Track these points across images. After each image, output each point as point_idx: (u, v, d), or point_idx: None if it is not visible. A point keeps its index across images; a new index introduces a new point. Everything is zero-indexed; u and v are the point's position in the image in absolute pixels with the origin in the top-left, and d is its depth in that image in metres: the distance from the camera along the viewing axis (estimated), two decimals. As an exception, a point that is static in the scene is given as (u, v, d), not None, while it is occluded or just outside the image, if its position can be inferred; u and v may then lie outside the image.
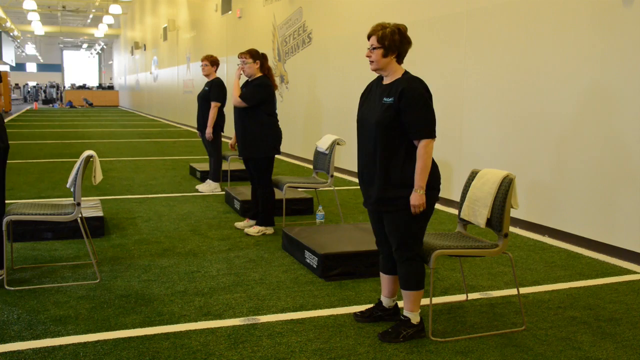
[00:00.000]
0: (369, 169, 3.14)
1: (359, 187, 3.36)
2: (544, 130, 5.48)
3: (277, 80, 11.77)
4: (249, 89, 5.24)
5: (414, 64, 7.34)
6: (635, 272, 4.42)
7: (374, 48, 3.09)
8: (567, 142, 5.24)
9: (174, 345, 3.03)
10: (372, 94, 3.21)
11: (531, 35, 5.58)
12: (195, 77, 18.72)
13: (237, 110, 5.31)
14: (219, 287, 3.92)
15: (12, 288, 3.82)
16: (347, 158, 9.05)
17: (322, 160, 5.70)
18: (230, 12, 14.77)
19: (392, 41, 3.06)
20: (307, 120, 10.57)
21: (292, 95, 11.17)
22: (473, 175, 3.43)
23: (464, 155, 6.56)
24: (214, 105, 7.31)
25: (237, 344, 3.05)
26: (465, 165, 6.50)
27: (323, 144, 5.69)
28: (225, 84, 7.58)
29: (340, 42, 9.25)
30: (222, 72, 15.45)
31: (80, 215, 4.01)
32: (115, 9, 28.88)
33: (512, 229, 5.69)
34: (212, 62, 7.50)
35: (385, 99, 3.06)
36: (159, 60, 25.16)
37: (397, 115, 3.02)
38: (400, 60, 3.13)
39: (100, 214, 5.28)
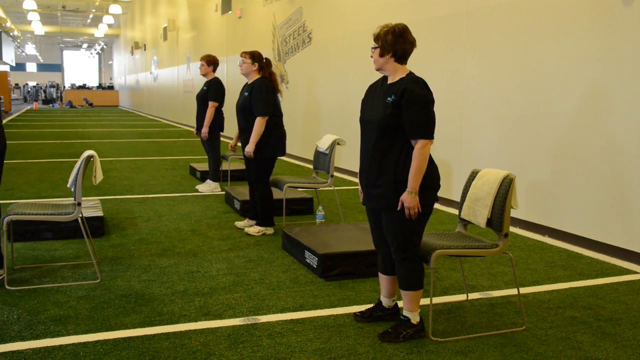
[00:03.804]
0: (369, 167, 3.15)
1: (359, 187, 3.36)
2: (544, 130, 5.48)
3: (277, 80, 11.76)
4: (256, 101, 5.16)
5: (414, 64, 7.34)
6: (635, 272, 4.42)
7: (372, 48, 3.16)
8: (567, 142, 5.24)
9: (174, 345, 3.03)
10: (376, 93, 3.23)
11: (531, 35, 5.58)
12: (195, 77, 18.72)
13: (241, 112, 5.28)
14: (219, 287, 3.92)
15: (12, 288, 3.82)
16: (347, 158, 9.05)
17: (322, 160, 5.70)
18: (230, 12, 14.77)
19: (385, 41, 3.10)
20: (307, 120, 10.57)
21: (292, 95, 11.17)
22: (473, 175, 3.43)
23: (464, 155, 6.56)
24: (211, 105, 7.32)
25: (237, 344, 3.05)
26: (465, 165, 6.50)
27: (323, 144, 5.69)
28: (225, 84, 7.59)
29: (340, 42, 9.25)
30: (221, 72, 15.45)
31: (80, 215, 4.01)
32: (115, 9, 28.88)
33: (512, 229, 5.69)
34: (209, 61, 7.48)
35: (388, 98, 3.08)
36: (159, 60, 25.16)
37: (399, 114, 3.03)
38: (400, 60, 3.13)
39: (100, 214, 5.28)
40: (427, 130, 3.02)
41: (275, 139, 5.25)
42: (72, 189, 3.92)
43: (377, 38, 3.13)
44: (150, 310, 3.51)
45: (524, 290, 3.96)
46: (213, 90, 7.35)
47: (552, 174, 5.41)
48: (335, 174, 8.67)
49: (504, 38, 5.93)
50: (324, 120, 9.88)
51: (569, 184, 5.25)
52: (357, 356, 2.94)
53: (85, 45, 57.04)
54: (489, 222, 3.28)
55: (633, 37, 4.64)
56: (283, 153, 5.36)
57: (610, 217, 4.89)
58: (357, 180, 8.52)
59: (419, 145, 3.01)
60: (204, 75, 7.53)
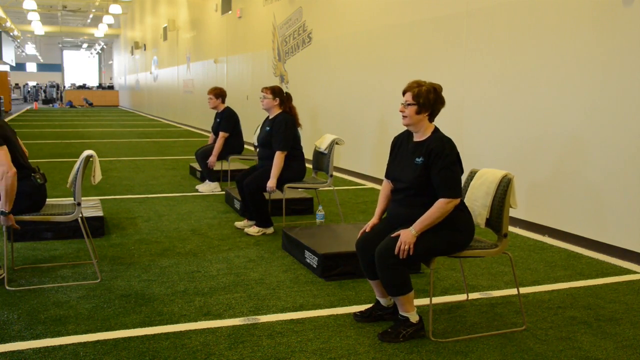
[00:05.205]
0: (411, 218, 3.15)
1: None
2: (543, 130, 5.48)
3: (277, 80, 11.77)
4: (277, 135, 5.29)
5: (414, 64, 7.35)
6: (635, 272, 4.42)
7: (408, 104, 3.19)
8: (567, 142, 5.24)
9: (174, 345, 3.04)
10: (402, 149, 3.30)
11: (531, 35, 5.58)
12: (195, 77, 18.72)
13: (262, 146, 5.44)
14: (219, 287, 3.92)
15: (12, 288, 3.82)
16: (347, 158, 9.05)
17: (322, 160, 5.71)
18: (230, 12, 14.77)
19: (427, 100, 3.17)
20: (306, 120, 10.57)
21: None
22: (472, 175, 3.44)
23: (464, 155, 6.51)
24: (221, 136, 7.40)
25: (237, 344, 3.05)
26: (465, 165, 6.47)
27: (322, 144, 5.70)
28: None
29: (340, 42, 9.25)
30: (222, 73, 15.45)
31: (80, 215, 4.01)
32: (115, 8, 28.89)
33: (512, 229, 5.69)
34: (217, 94, 7.54)
35: (417, 159, 3.16)
36: (159, 60, 25.16)
37: (428, 174, 3.12)
38: (431, 119, 3.23)
39: (100, 214, 5.28)
40: (450, 189, 3.08)
41: (292, 171, 5.36)
42: (72, 189, 3.93)
43: (417, 96, 3.15)
44: (150, 310, 3.51)
45: (524, 290, 3.96)
46: (225, 122, 7.43)
47: (552, 173, 5.41)
48: (335, 173, 8.66)
49: (504, 38, 5.93)
50: (324, 120, 9.88)
51: (568, 183, 5.25)
52: (357, 356, 2.94)
53: (85, 45, 57.04)
54: (488, 222, 3.28)
55: (633, 37, 4.64)
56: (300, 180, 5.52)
57: (610, 217, 4.89)
58: (357, 180, 8.52)
59: (443, 200, 3.07)
60: (214, 108, 7.58)
